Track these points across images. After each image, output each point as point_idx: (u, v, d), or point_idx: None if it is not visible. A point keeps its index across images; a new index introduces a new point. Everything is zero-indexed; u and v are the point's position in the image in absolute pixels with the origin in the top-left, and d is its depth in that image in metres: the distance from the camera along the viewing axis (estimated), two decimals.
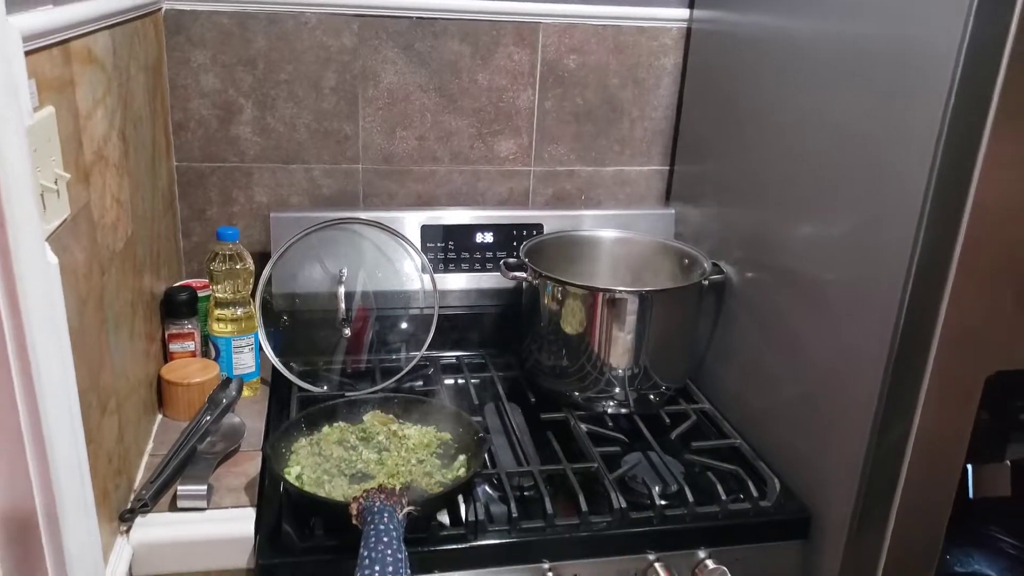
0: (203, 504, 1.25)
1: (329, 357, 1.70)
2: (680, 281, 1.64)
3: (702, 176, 1.80)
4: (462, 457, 1.38)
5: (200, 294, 1.59)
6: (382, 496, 1.14)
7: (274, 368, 1.62)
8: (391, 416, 1.47)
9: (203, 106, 1.70)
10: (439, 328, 1.69)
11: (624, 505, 1.31)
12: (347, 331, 1.65)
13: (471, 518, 1.26)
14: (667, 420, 1.60)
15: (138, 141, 1.42)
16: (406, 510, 1.14)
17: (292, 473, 1.30)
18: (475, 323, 1.83)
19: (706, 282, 1.58)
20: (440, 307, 1.72)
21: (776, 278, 1.47)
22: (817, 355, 1.34)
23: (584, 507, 1.30)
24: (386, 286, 1.72)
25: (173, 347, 1.57)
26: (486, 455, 1.36)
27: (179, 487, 1.26)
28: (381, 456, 1.37)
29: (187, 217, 1.76)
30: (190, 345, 1.58)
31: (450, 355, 1.82)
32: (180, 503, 1.25)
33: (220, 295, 1.55)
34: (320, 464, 1.33)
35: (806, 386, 1.37)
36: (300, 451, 1.36)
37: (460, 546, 1.24)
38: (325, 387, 1.63)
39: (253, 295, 1.63)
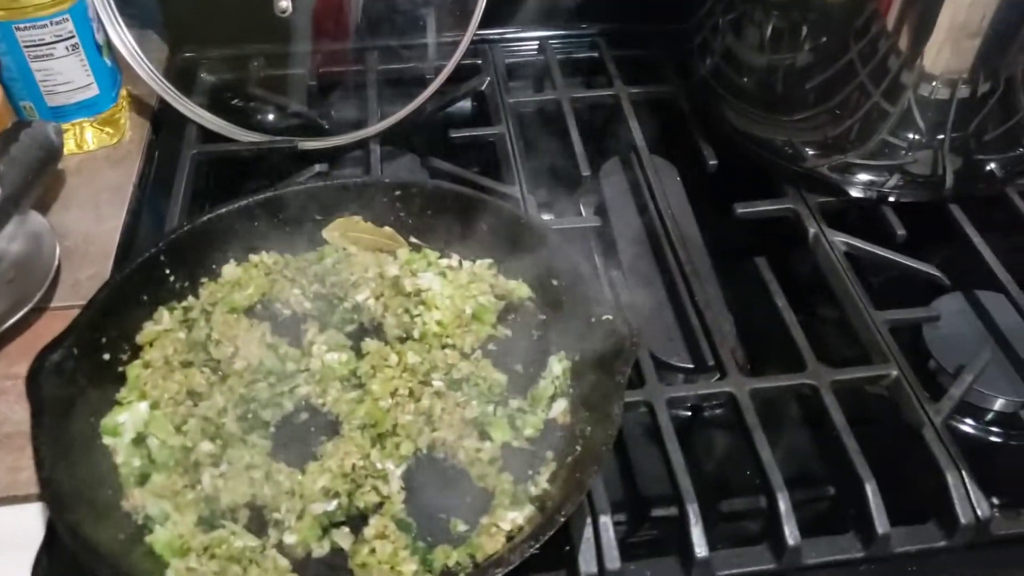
0: None
1: (273, 54, 0.80)
2: None
3: None
4: (559, 364, 0.55)
5: None
6: None
7: None
8: (389, 231, 0.61)
9: None
10: None
11: (983, 512, 0.50)
12: (284, 3, 0.72)
13: (587, 567, 0.47)
14: None
15: None
16: None
17: (121, 428, 0.50)
18: None
19: None
20: None
21: None
22: None
23: (875, 509, 0.50)
24: None
25: None
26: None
27: None
28: (356, 363, 0.54)
29: None
30: None
31: (526, 39, 0.88)
32: None
33: None
34: (195, 397, 0.52)
35: None
36: (153, 349, 0.54)
37: None
38: (259, 126, 0.77)
39: None
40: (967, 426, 0.60)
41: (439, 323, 0.56)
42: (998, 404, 0.60)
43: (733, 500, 0.57)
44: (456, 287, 0.58)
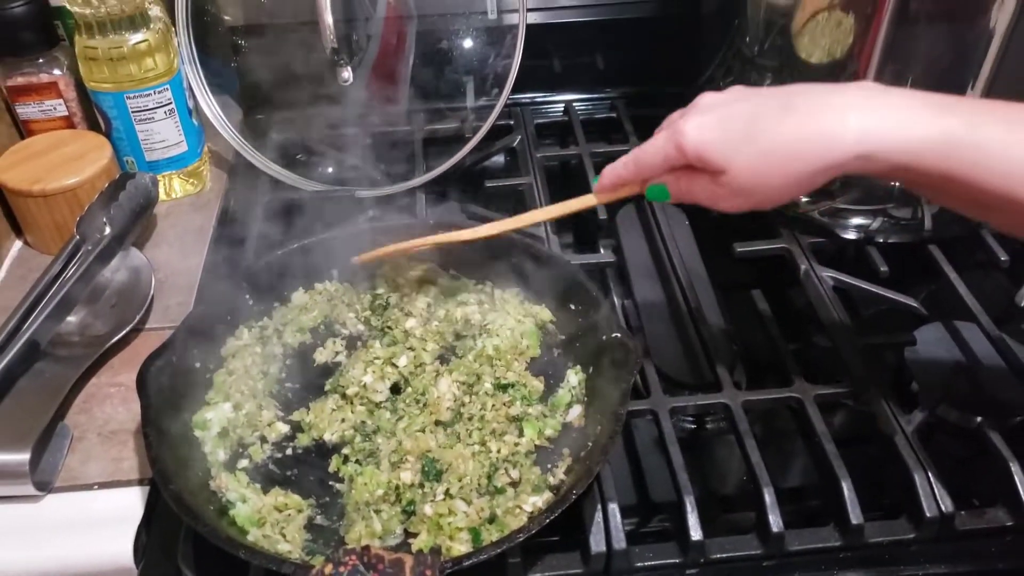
0: (27, 487, 0.59)
1: (333, 115, 0.92)
2: None
3: None
4: (575, 376, 0.64)
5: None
6: None
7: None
8: (429, 264, 0.72)
9: None
10: (535, 52, 0.85)
11: (946, 507, 0.57)
12: (346, 74, 0.84)
13: (597, 546, 0.56)
14: (1001, 255, 0.77)
15: None
16: None
17: (209, 423, 0.61)
18: (601, 39, 0.98)
19: None
20: (534, 9, 0.87)
21: None
22: None
23: (849, 503, 0.57)
24: None
25: (24, 111, 0.83)
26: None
27: None
28: (411, 372, 0.65)
29: None
30: (57, 106, 0.83)
31: (553, 102, 0.99)
32: None
33: (78, 7, 0.76)
34: (265, 387, 0.63)
35: None
36: (235, 360, 0.65)
37: None
38: (320, 177, 0.88)
39: (172, 3, 0.83)
40: (940, 439, 0.67)
41: (496, 348, 0.65)
42: (967, 420, 0.67)
43: (729, 500, 0.65)
44: (516, 320, 0.67)
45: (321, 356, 0.67)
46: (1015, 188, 0.45)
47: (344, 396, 0.63)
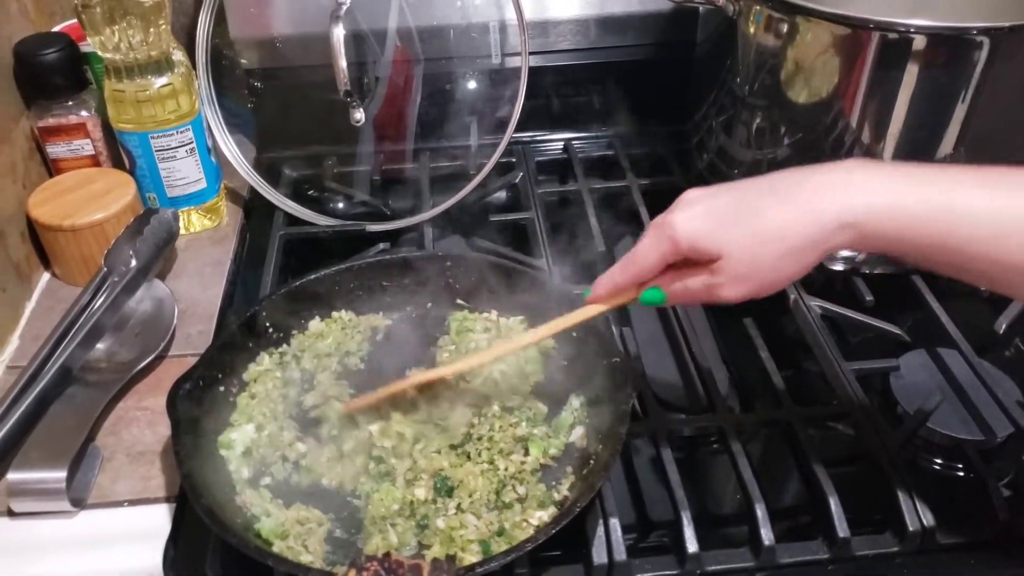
0: (63, 504, 0.63)
1: (343, 153, 0.97)
2: None
3: None
4: (577, 399, 0.68)
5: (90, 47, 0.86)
6: None
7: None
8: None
9: None
10: (535, 93, 0.91)
11: (927, 521, 0.61)
12: (359, 114, 0.89)
13: (599, 558, 0.59)
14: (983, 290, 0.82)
15: None
16: None
17: (233, 443, 0.64)
18: (599, 81, 1.03)
19: None
20: (535, 52, 0.92)
21: None
22: None
23: (836, 518, 0.61)
24: (433, 18, 0.92)
25: (54, 150, 0.87)
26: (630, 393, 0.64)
27: (10, 475, 0.63)
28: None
29: None
30: (85, 146, 0.88)
31: (553, 141, 1.04)
32: (15, 505, 0.63)
33: (108, 53, 0.81)
34: (285, 410, 0.67)
35: None
36: (257, 384, 0.69)
37: None
38: (332, 212, 0.93)
39: (193, 49, 0.88)
40: (923, 459, 0.70)
41: (502, 373, 0.69)
42: (948, 440, 0.70)
43: (724, 516, 0.69)
44: (496, 340, 0.71)
45: (310, 399, 0.69)
46: (998, 252, 0.46)
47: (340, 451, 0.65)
